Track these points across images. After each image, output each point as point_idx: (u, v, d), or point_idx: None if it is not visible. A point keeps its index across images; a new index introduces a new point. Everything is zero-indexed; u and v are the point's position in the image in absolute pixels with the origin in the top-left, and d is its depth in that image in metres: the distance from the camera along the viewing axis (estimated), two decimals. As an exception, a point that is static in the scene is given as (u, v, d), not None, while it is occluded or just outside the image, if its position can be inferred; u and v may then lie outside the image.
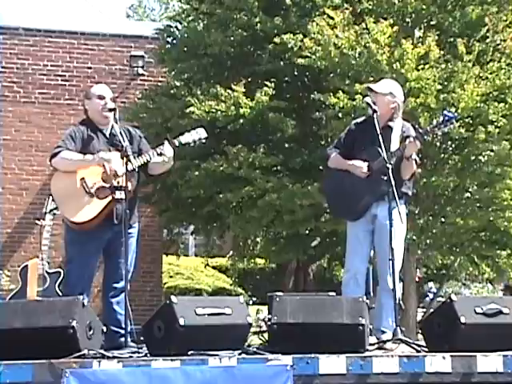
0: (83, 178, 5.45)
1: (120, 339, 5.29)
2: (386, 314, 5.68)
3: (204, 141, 5.84)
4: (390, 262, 5.43)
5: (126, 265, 5.27)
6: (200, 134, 5.78)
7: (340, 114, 10.32)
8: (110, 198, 5.45)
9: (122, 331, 5.34)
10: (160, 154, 5.60)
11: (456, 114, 6.14)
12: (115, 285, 5.57)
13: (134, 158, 5.55)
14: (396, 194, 5.46)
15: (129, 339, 5.22)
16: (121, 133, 5.55)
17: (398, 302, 5.52)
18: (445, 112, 5.90)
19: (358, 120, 6.16)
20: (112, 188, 5.45)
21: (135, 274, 5.76)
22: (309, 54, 10.53)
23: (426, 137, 5.88)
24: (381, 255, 5.79)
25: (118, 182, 5.43)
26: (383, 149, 5.59)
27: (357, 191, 5.85)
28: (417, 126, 6.11)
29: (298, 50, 10.81)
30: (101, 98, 5.64)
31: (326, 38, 10.39)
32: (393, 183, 5.45)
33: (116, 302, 5.56)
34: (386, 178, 5.57)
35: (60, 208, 5.60)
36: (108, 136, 5.63)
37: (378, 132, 5.61)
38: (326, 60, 10.44)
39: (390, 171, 5.49)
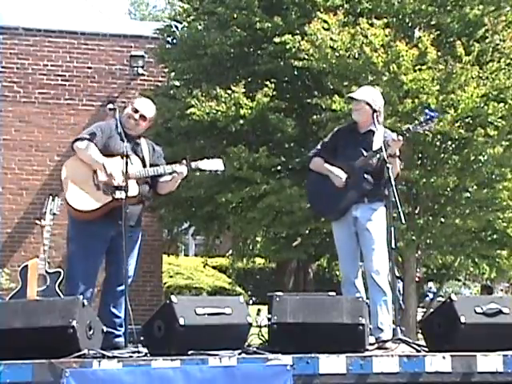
0: (95, 171, 5.50)
1: (114, 340, 5.33)
2: (381, 310, 5.74)
3: (219, 172, 5.97)
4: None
5: (126, 265, 5.28)
6: (219, 166, 5.89)
7: (339, 116, 10.31)
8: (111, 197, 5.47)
9: (117, 332, 5.41)
10: (173, 172, 5.66)
11: (437, 113, 6.32)
12: (116, 288, 5.56)
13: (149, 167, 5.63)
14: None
15: (120, 339, 5.24)
16: (141, 143, 5.67)
17: (391, 299, 5.64)
18: (426, 111, 6.07)
19: (341, 126, 6.38)
20: (112, 188, 5.46)
21: (134, 278, 5.74)
22: (306, 56, 10.53)
23: (408, 135, 6.01)
24: (366, 255, 5.90)
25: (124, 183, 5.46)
26: (373, 146, 5.80)
27: (338, 190, 5.94)
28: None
29: (297, 51, 10.81)
30: (143, 117, 5.70)
31: (321, 40, 10.39)
32: (393, 183, 5.54)
33: (114, 304, 5.56)
34: (368, 176, 5.82)
35: (65, 192, 5.54)
36: (131, 143, 5.64)
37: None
38: (323, 62, 10.45)
39: (390, 171, 5.59)
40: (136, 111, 5.69)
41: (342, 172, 5.93)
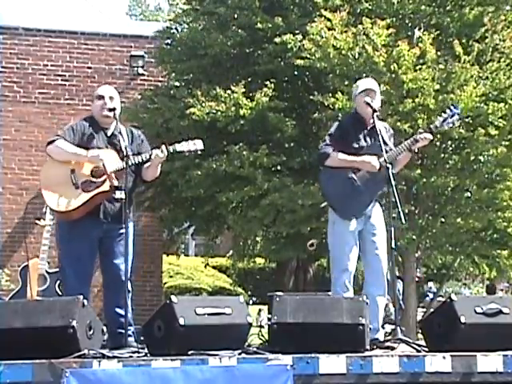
0: (73, 170, 5.49)
1: (128, 339, 5.30)
2: (381, 312, 5.72)
3: (200, 152, 5.85)
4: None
5: (126, 264, 5.28)
6: (197, 145, 5.76)
7: (339, 115, 10.31)
8: (94, 192, 5.44)
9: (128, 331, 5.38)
10: (150, 157, 5.58)
11: (460, 110, 6.32)
12: (116, 290, 5.48)
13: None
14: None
15: (131, 339, 5.24)
16: (120, 133, 5.57)
17: (392, 300, 5.62)
18: (451, 107, 6.07)
19: (344, 119, 6.30)
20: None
21: (133, 274, 5.72)
22: (308, 56, 10.54)
23: (435, 131, 6.06)
24: (378, 255, 5.80)
25: (107, 180, 5.44)
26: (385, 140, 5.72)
27: (363, 187, 5.82)
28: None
29: (298, 51, 10.81)
30: (100, 98, 5.68)
31: (324, 39, 10.39)
32: (393, 183, 5.52)
33: (117, 305, 5.48)
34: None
35: (44, 195, 5.55)
36: (109, 135, 5.65)
37: (381, 139, 5.71)
38: (325, 61, 10.45)
39: (391, 170, 5.58)
40: (101, 98, 5.64)
41: (372, 157, 5.74)
